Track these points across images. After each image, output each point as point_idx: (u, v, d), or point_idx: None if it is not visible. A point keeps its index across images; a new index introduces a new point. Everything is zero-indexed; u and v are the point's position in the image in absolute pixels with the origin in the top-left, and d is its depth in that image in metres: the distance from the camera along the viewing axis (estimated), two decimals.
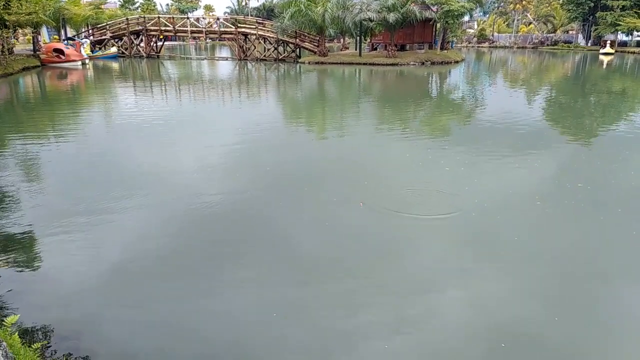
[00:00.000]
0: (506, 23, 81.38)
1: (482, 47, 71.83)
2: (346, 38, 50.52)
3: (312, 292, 4.88)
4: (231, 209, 6.95)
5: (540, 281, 5.11)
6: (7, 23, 25.60)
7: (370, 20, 35.32)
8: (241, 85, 24.84)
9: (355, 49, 41.41)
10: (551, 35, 70.59)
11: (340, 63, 36.61)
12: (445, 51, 42.06)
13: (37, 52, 33.60)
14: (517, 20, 76.19)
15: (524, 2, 72.76)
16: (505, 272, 5.30)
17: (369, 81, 28.47)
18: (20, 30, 33.36)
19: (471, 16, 56.58)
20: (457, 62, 39.32)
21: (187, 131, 12.47)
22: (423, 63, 36.57)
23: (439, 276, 5.20)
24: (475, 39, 75.10)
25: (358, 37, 39.96)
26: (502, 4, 77.78)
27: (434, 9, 38.51)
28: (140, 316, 4.47)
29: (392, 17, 34.33)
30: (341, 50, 46.47)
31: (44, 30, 38.74)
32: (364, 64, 35.91)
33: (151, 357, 3.92)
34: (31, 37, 35.70)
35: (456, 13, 37.48)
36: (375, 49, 43.26)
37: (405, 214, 6.73)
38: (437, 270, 5.31)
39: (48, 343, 3.90)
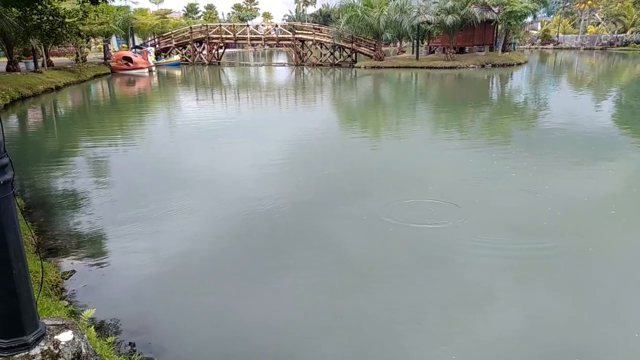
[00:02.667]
0: (572, 23, 77.69)
1: (546, 48, 68.93)
2: (403, 42, 50.02)
3: (363, 300, 4.81)
4: (286, 213, 6.98)
5: (614, 297, 4.78)
6: (82, 33, 27.24)
7: (429, 23, 34.80)
8: (297, 91, 25.14)
9: (412, 53, 40.89)
10: (622, 35, 66.53)
11: (396, 67, 36.27)
12: (507, 53, 40.70)
13: (108, 60, 35.56)
14: (584, 20, 72.55)
15: (589, 2, 69.21)
16: (576, 287, 5.00)
17: (425, 85, 27.99)
18: (92, 40, 35.42)
19: (535, 17, 54.46)
20: (519, 64, 37.96)
21: (245, 136, 12.74)
22: (483, 66, 35.57)
23: (503, 287, 4.98)
24: (539, 40, 72.22)
25: (415, 41, 39.45)
26: (567, 3, 74.36)
27: (496, 10, 37.38)
28: (202, 314, 4.56)
29: (449, 19, 33.65)
30: (398, 54, 46.03)
31: (113, 39, 40.99)
32: (421, 67, 35.38)
33: (213, 356, 4.00)
34: (102, 46, 37.83)
35: (519, 14, 36.22)
36: (433, 52, 42.53)
37: (470, 222, 6.53)
38: (500, 280, 5.09)
39: (120, 337, 4.07)
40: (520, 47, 59.63)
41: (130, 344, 3.97)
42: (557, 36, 73.10)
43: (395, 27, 37.72)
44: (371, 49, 38.93)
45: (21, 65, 25.40)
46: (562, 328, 4.30)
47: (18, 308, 2.28)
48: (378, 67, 36.19)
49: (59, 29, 16.97)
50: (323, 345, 4.13)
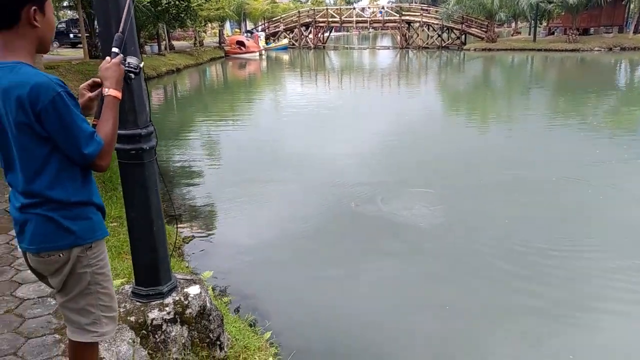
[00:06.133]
0: None
1: None
2: (518, 22, 46.84)
3: (462, 296, 4.69)
4: (388, 197, 6.92)
5: None
6: (200, 18, 29.08)
7: (549, 2, 32.21)
8: (402, 74, 24.73)
9: (529, 34, 38.17)
10: None
11: (510, 49, 34.11)
12: None
13: (222, 44, 37.59)
14: None
15: None
16: None
17: (542, 69, 26.07)
18: (209, 24, 37.64)
19: None
20: None
21: (347, 119, 12.82)
22: (610, 49, 32.17)
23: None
24: None
25: (533, 21, 36.76)
26: None
27: None
28: (300, 285, 4.81)
29: None
30: (512, 35, 43.27)
31: (227, 24, 43.16)
32: (538, 50, 32.89)
33: (317, 329, 4.18)
34: (217, 31, 40.03)
35: None
36: (553, 33, 39.32)
37: (601, 223, 6.04)
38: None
39: (230, 300, 4.40)
40: None
41: (239, 307, 4.29)
42: None
43: (510, 6, 35.41)
44: (483, 30, 36.96)
45: (147, 48, 27.76)
46: None
47: (156, 261, 2.58)
48: (489, 50, 34.31)
49: (183, 14, 18.45)
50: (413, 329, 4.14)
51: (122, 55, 1.86)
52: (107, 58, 1.85)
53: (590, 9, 32.98)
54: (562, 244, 5.35)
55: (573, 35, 33.27)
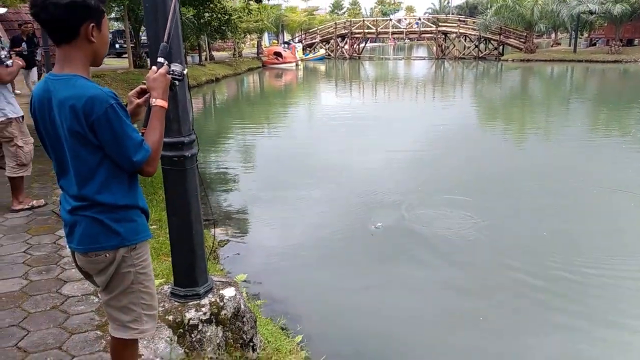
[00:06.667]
0: None
1: None
2: (558, 33, 45.84)
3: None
4: (415, 210, 6.81)
5: None
6: (239, 30, 29.78)
7: (591, 13, 31.41)
8: (436, 85, 24.55)
9: (569, 45, 37.28)
10: None
11: (549, 60, 33.39)
12: None
13: (260, 55, 38.26)
14: None
15: None
16: None
17: (583, 80, 25.39)
18: (248, 36, 38.41)
19: None
20: None
21: (382, 130, 12.79)
22: None
23: None
24: None
25: (573, 32, 35.91)
26: None
27: None
28: (337, 292, 4.83)
29: (618, 9, 29.89)
30: (551, 46, 42.36)
31: (265, 36, 43.96)
32: (579, 61, 32.07)
33: (347, 336, 4.20)
34: (256, 42, 40.79)
35: None
36: (594, 44, 38.29)
37: None
38: None
39: (263, 303, 4.49)
40: None
41: (272, 310, 4.38)
42: None
43: (550, 17, 34.73)
44: (521, 41, 36.34)
45: (188, 58, 28.52)
46: None
47: (194, 263, 2.69)
48: (527, 60, 33.67)
49: (225, 26, 18.96)
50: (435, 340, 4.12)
51: (167, 64, 1.95)
52: (154, 68, 1.95)
53: (634, 19, 31.99)
54: (603, 260, 5.18)
55: (616, 46, 32.29)
